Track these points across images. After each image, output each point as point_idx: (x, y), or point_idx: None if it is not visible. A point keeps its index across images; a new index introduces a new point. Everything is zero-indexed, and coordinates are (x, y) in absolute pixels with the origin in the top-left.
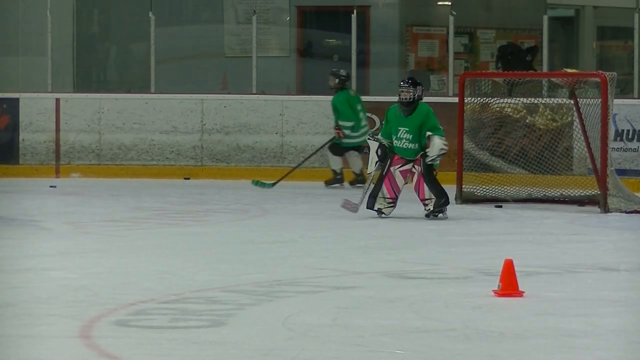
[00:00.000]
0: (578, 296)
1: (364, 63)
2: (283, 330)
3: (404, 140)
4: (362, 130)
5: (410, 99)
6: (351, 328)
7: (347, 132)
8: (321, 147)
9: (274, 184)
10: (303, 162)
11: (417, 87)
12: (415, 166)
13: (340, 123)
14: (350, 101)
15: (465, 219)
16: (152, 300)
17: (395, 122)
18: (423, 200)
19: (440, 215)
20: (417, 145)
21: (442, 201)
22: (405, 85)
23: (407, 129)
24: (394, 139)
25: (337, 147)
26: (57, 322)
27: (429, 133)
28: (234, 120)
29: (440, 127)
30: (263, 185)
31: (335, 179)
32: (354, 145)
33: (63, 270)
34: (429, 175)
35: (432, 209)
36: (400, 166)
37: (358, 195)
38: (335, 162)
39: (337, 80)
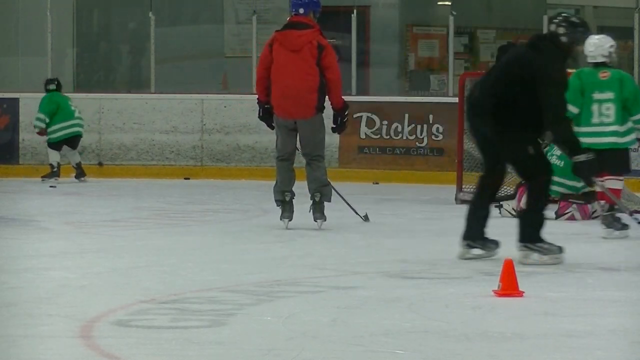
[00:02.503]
0: (578, 296)
1: (364, 63)
2: (283, 330)
3: None
4: (74, 122)
5: None
6: (351, 328)
7: (52, 126)
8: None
9: None
10: None
11: None
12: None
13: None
14: (60, 100)
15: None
16: (152, 300)
17: None
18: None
19: None
20: None
21: None
22: None
23: None
24: None
25: (56, 142)
26: (57, 322)
27: None
28: (234, 120)
29: None
30: None
31: (52, 172)
32: (66, 137)
33: (63, 270)
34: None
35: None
36: None
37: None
38: (54, 156)
39: (50, 86)
